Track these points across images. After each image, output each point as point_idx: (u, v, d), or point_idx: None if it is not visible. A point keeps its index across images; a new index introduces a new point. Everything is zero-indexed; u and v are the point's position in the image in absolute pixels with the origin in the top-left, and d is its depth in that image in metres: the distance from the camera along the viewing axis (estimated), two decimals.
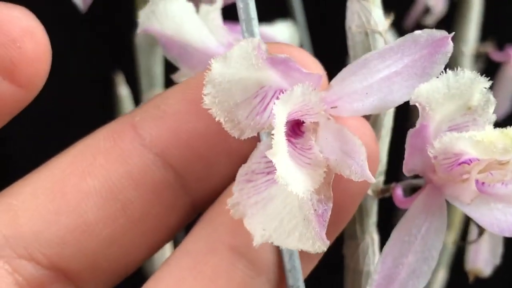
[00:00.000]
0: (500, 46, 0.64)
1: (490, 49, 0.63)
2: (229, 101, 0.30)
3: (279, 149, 0.28)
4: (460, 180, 0.32)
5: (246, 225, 0.30)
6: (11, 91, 0.31)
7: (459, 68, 0.30)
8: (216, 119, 0.30)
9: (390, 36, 0.60)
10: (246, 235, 0.31)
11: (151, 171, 0.33)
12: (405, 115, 0.31)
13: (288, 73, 0.30)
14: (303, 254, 0.31)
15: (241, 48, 0.29)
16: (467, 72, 0.30)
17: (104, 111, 0.36)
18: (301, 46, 0.58)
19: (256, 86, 0.30)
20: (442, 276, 0.64)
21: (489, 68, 0.65)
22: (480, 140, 0.30)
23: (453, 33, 0.30)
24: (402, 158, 0.32)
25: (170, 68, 0.40)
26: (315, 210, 0.30)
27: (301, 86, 0.29)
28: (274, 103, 0.29)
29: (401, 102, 0.31)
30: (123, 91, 0.57)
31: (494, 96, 0.68)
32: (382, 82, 0.30)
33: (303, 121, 0.31)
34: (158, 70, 0.54)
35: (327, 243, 0.29)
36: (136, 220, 0.33)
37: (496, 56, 0.63)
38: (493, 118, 0.31)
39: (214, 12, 0.39)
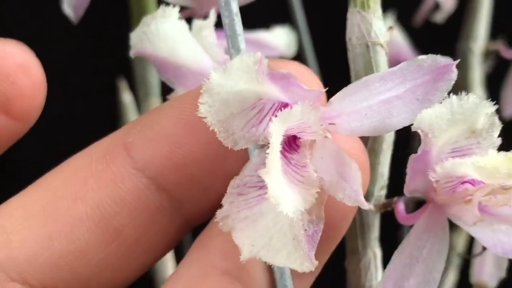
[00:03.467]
0: (511, 43, 0.64)
1: (500, 46, 0.63)
2: (225, 112, 0.30)
3: (272, 168, 0.28)
4: (463, 201, 0.32)
5: (234, 239, 0.30)
6: (6, 124, 0.32)
7: (463, 93, 0.30)
8: (210, 128, 0.30)
9: (398, 33, 0.59)
10: (238, 258, 0.31)
11: (144, 196, 0.33)
12: (407, 129, 0.30)
13: (289, 88, 0.30)
14: (297, 272, 0.31)
15: (242, 61, 0.29)
16: (472, 96, 0.30)
17: (108, 118, 0.36)
18: (302, 51, 0.57)
19: (254, 99, 0.30)
20: (452, 279, 0.63)
21: (499, 66, 0.65)
22: (483, 166, 0.30)
23: (458, 60, 0.30)
24: (404, 171, 0.32)
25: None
26: (306, 230, 0.30)
27: (301, 105, 0.29)
28: (272, 120, 0.29)
29: (400, 126, 0.31)
30: (127, 97, 0.57)
31: (504, 94, 0.67)
32: (382, 105, 0.30)
33: (299, 136, 0.31)
34: (155, 79, 0.54)
35: (315, 263, 0.29)
36: (129, 245, 0.33)
37: (506, 53, 0.62)
38: (498, 142, 0.31)
39: (208, 28, 0.39)
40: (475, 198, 0.31)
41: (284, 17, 0.55)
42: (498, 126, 0.31)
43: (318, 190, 0.30)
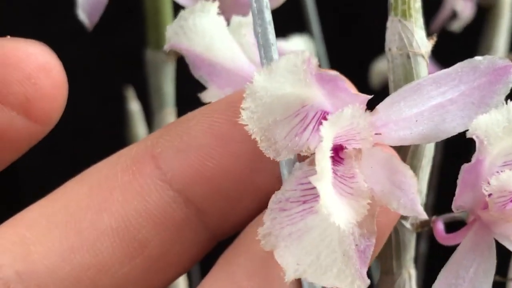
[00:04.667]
0: None
1: None
2: (268, 118, 0.28)
3: (324, 175, 0.27)
4: None
5: (277, 258, 0.29)
6: (26, 126, 0.32)
7: None
8: (252, 137, 0.29)
9: None
10: (266, 277, 0.30)
11: (171, 209, 0.32)
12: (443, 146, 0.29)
13: (334, 93, 0.29)
14: None
15: (288, 61, 0.28)
16: None
17: (115, 127, 0.35)
18: (318, 60, 0.57)
19: (298, 104, 0.29)
20: None
21: None
22: None
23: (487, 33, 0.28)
24: (441, 189, 0.31)
25: (182, 87, 0.39)
26: (357, 245, 0.28)
27: (351, 108, 0.28)
28: (319, 124, 0.28)
29: (454, 133, 0.29)
30: (134, 106, 0.57)
31: None
32: (435, 110, 0.29)
33: (344, 147, 0.30)
34: (170, 89, 0.53)
35: (368, 282, 0.28)
36: (154, 259, 0.33)
37: None
38: None
39: (246, 27, 0.38)
40: None
41: (298, 26, 0.55)
42: None
43: (369, 201, 0.28)
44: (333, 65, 0.58)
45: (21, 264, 0.31)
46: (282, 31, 0.49)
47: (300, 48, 0.50)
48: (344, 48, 0.58)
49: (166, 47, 0.37)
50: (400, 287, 0.36)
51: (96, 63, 0.72)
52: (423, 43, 0.33)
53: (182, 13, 0.36)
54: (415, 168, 0.34)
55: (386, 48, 0.33)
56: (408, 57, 0.33)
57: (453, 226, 0.34)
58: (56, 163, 0.35)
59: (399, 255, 0.36)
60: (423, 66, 0.33)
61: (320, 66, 0.29)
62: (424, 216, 0.28)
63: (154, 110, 0.53)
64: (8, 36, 0.32)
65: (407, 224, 0.35)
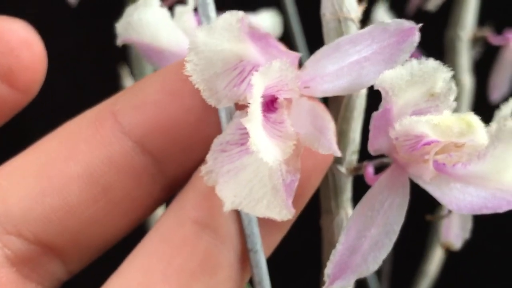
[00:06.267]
0: (498, 30, 0.66)
1: (488, 33, 0.64)
2: (210, 70, 0.31)
3: (254, 117, 0.30)
4: (422, 160, 0.34)
5: (217, 192, 0.32)
6: (9, 94, 0.35)
7: (423, 58, 0.32)
8: (195, 87, 0.32)
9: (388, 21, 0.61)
10: (209, 208, 0.34)
11: (131, 157, 0.35)
12: (378, 96, 0.32)
13: (267, 49, 0.32)
14: (272, 223, 0.33)
15: (225, 20, 0.31)
16: (431, 61, 0.32)
17: None
18: (291, 35, 0.59)
19: (235, 59, 0.32)
20: (439, 254, 0.66)
21: (487, 52, 0.66)
22: (437, 124, 0.32)
23: (421, 24, 0.32)
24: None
25: None
26: (283, 180, 0.31)
27: (279, 62, 0.31)
28: (253, 75, 0.31)
29: (368, 85, 0.33)
30: (129, 83, 0.59)
31: (491, 79, 0.68)
32: (352, 66, 0.33)
33: (277, 97, 0.33)
34: (149, 69, 0.56)
35: (293, 211, 0.31)
36: (116, 202, 0.36)
37: (494, 40, 0.64)
38: (454, 105, 0.33)
39: (187, 13, 0.41)
40: (431, 155, 0.33)
41: (271, 0, 0.57)
42: (454, 91, 0.33)
43: (295, 142, 0.32)
44: (307, 38, 0.61)
45: None
46: (257, 5, 0.52)
47: (268, 21, 0.53)
48: (318, 20, 0.61)
49: (119, 42, 0.41)
50: (339, 224, 0.39)
51: (91, 44, 0.74)
52: (352, 8, 0.36)
53: (127, 9, 0.40)
54: (348, 120, 0.38)
55: (321, 14, 0.36)
56: (340, 21, 0.36)
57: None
58: None
59: (337, 197, 0.39)
60: (353, 29, 0.36)
61: (293, 41, 0.33)
62: (338, 154, 0.31)
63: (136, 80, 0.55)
64: None
65: (342, 169, 0.39)
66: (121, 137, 0.35)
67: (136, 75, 0.57)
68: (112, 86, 0.60)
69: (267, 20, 0.53)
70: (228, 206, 0.32)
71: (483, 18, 0.66)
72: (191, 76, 0.31)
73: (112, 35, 0.42)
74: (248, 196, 0.31)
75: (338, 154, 0.32)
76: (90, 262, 0.38)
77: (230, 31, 0.31)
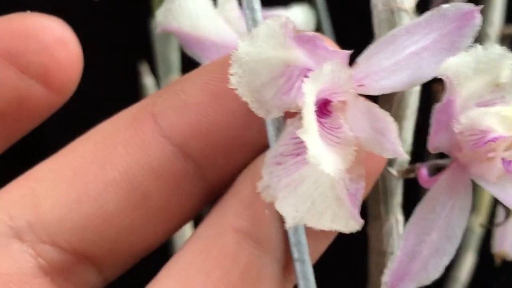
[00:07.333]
0: None
1: None
2: (256, 81, 0.30)
3: (310, 128, 0.29)
4: (486, 159, 0.32)
5: (277, 208, 0.30)
6: (44, 94, 0.34)
7: (488, 44, 0.31)
8: (243, 99, 0.30)
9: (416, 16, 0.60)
10: (252, 216, 0.32)
11: (171, 162, 0.34)
12: (430, 95, 0.31)
13: (315, 51, 0.30)
14: (318, 231, 0.32)
15: (268, 27, 0.29)
16: (497, 47, 0.30)
17: (130, 101, 0.37)
18: (320, 30, 0.58)
19: (282, 65, 0.30)
20: (470, 259, 0.64)
21: None
22: (507, 116, 0.30)
23: (482, 6, 0.30)
24: (427, 138, 0.33)
25: (186, 55, 0.41)
26: (347, 189, 0.30)
27: (331, 64, 0.30)
28: (303, 82, 0.29)
29: (429, 78, 0.31)
30: (148, 80, 0.58)
31: None
32: (410, 58, 0.31)
33: (330, 100, 0.31)
34: (175, 57, 0.55)
35: (361, 221, 0.30)
36: (156, 210, 0.35)
37: None
38: None
39: (230, 2, 0.40)
40: (498, 153, 0.32)
41: None
42: None
43: (356, 148, 0.30)
44: (337, 34, 0.59)
45: (32, 215, 0.34)
46: (286, 1, 0.51)
47: (300, 16, 0.52)
48: (348, 16, 0.59)
49: (158, 31, 0.40)
50: (388, 231, 0.37)
51: (109, 37, 0.73)
52: None
53: None
54: (400, 119, 0.36)
55: (372, 5, 0.35)
56: (392, 12, 0.34)
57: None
58: (72, 137, 0.36)
59: (386, 201, 0.37)
60: (406, 20, 0.34)
61: (323, 34, 0.31)
62: (405, 156, 0.30)
63: (160, 77, 0.55)
64: (28, 11, 0.34)
65: (393, 171, 0.37)
66: (162, 141, 0.34)
67: (159, 74, 0.56)
68: (131, 85, 0.59)
69: (299, 15, 0.51)
70: (290, 222, 0.30)
71: (511, 15, 0.64)
72: (237, 89, 0.30)
73: (130, 30, 0.40)
74: (311, 209, 0.30)
75: (405, 156, 0.30)
76: (127, 270, 0.37)
77: (275, 38, 0.29)
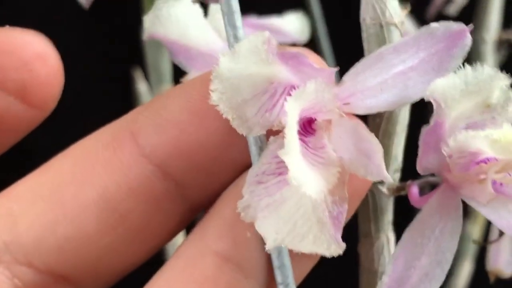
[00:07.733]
0: None
1: None
2: (237, 97, 0.29)
3: (291, 148, 0.28)
4: (477, 181, 0.31)
5: (257, 228, 0.30)
6: (23, 111, 0.33)
7: (478, 63, 0.30)
8: (224, 116, 0.30)
9: (410, 26, 0.59)
10: (233, 239, 0.32)
11: (151, 182, 0.34)
12: (422, 112, 0.30)
13: (299, 68, 0.29)
14: (297, 254, 0.31)
15: (250, 42, 0.29)
16: (487, 68, 0.30)
17: (123, 107, 0.36)
18: (316, 38, 0.57)
19: (265, 82, 0.29)
20: (467, 267, 0.64)
21: None
22: (497, 139, 0.30)
23: (472, 25, 0.29)
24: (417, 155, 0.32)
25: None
26: (330, 212, 0.29)
27: (314, 82, 0.29)
28: (286, 100, 0.28)
29: (416, 98, 0.30)
30: (142, 86, 0.58)
31: None
32: (397, 78, 0.30)
33: (314, 118, 0.31)
34: (167, 66, 0.54)
35: (343, 246, 0.29)
36: (135, 230, 0.34)
37: None
38: None
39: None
40: (489, 175, 0.31)
41: (297, 2, 0.55)
42: None
43: (339, 169, 0.29)
44: (333, 42, 0.59)
45: (8, 235, 0.33)
46: (280, 8, 0.50)
47: (295, 25, 0.51)
48: (344, 25, 0.58)
49: (145, 36, 0.39)
50: (379, 250, 0.37)
51: (101, 43, 0.73)
52: (396, 13, 0.33)
53: (157, 3, 0.38)
54: (390, 135, 0.35)
55: (361, 19, 0.34)
56: (381, 26, 0.33)
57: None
58: (65, 143, 0.36)
59: (377, 219, 0.37)
60: (396, 35, 0.33)
61: (319, 43, 0.30)
62: (390, 180, 0.29)
63: (152, 86, 0.55)
64: (7, 26, 0.33)
65: (383, 189, 0.36)
66: (141, 161, 0.33)
67: (152, 80, 0.56)
68: (123, 90, 0.59)
69: (294, 23, 0.51)
70: (270, 244, 0.29)
71: (508, 20, 0.64)
72: (218, 105, 0.29)
73: (121, 33, 0.39)
74: (292, 231, 0.29)
75: (390, 180, 0.29)
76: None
77: (257, 54, 0.28)
